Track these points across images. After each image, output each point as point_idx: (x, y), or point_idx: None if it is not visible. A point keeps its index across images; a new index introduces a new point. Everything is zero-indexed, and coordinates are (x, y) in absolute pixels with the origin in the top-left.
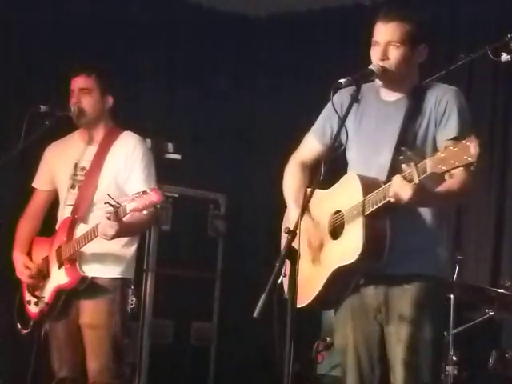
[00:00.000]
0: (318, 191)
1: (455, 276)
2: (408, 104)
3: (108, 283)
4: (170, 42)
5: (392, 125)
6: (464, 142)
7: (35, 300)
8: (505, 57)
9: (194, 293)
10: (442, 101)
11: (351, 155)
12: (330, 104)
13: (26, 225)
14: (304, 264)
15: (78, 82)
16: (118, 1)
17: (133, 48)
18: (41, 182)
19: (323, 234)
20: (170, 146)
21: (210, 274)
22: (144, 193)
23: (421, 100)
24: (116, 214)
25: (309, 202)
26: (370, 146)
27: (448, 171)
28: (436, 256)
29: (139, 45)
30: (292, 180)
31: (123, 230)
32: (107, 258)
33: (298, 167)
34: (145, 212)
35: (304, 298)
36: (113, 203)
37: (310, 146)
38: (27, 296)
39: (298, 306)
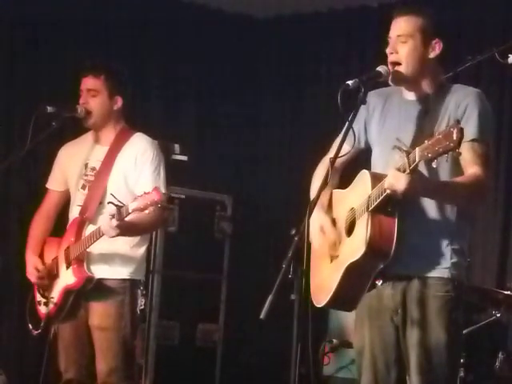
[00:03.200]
0: (338, 191)
1: None
2: (428, 103)
3: (117, 284)
4: (175, 42)
5: (411, 124)
6: (448, 128)
7: (45, 301)
8: None
9: (200, 294)
10: (462, 103)
11: (374, 155)
12: (359, 107)
13: (39, 225)
14: (324, 263)
15: (86, 83)
16: (123, 1)
17: (138, 49)
18: (54, 183)
19: (340, 232)
20: (177, 147)
21: (216, 275)
22: (146, 192)
23: (441, 101)
24: (119, 213)
25: (315, 204)
26: (390, 145)
27: (434, 158)
28: (455, 259)
29: (144, 46)
30: (318, 182)
31: (127, 229)
32: (116, 259)
33: (326, 169)
34: (146, 211)
35: (322, 298)
36: (116, 203)
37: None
38: (38, 297)
39: (318, 305)
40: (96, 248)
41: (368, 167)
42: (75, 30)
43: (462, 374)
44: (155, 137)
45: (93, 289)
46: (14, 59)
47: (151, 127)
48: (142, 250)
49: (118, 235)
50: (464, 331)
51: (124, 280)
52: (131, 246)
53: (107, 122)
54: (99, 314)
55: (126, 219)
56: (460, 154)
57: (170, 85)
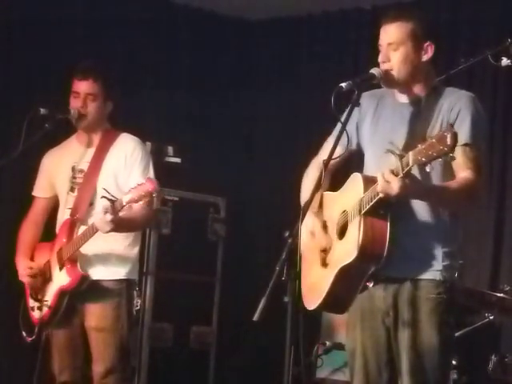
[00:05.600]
0: (329, 193)
1: None
2: (421, 106)
3: (114, 285)
4: (170, 45)
5: (404, 126)
6: (441, 132)
7: (38, 305)
8: (505, 61)
9: (194, 296)
10: (455, 107)
11: (367, 157)
12: (349, 108)
13: (28, 232)
14: (314, 266)
15: (85, 87)
16: (119, 3)
17: (133, 51)
18: (40, 190)
19: (332, 235)
20: (170, 149)
21: (209, 277)
22: (139, 184)
23: (434, 103)
24: (113, 207)
25: (309, 206)
26: (383, 148)
27: (427, 162)
28: (446, 261)
29: (139, 48)
30: (310, 183)
31: (121, 224)
32: (112, 259)
33: (318, 171)
34: (141, 202)
35: (314, 301)
36: (109, 197)
37: (329, 149)
38: (31, 302)
39: (309, 308)
40: (91, 249)
41: (358, 169)
42: (71, 30)
43: (455, 376)
44: (149, 139)
45: (89, 290)
46: (10, 60)
47: (145, 129)
48: (136, 250)
49: (112, 230)
50: (457, 333)
51: (121, 280)
52: (125, 247)
53: (99, 124)
54: (96, 315)
55: (120, 214)
56: (454, 158)
57: (163, 87)
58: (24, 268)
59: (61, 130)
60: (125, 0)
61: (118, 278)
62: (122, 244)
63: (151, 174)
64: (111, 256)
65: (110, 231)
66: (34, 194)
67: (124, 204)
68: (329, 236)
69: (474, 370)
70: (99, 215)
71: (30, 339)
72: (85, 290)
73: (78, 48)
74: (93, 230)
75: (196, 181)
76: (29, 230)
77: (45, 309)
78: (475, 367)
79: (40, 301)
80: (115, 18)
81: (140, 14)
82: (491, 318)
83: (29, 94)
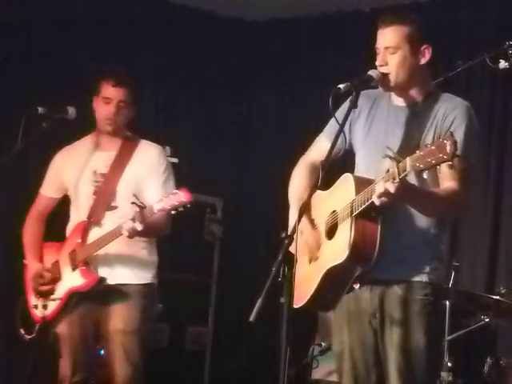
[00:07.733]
0: (319, 192)
1: (451, 282)
2: (417, 111)
3: (140, 289)
4: (169, 45)
5: (399, 130)
6: (441, 140)
7: (43, 303)
8: (503, 64)
9: (190, 297)
10: (450, 115)
11: (358, 157)
12: (342, 107)
13: (35, 230)
14: (302, 265)
15: (119, 93)
16: (118, 3)
17: (132, 51)
18: (49, 190)
19: (320, 234)
20: (168, 149)
21: (205, 278)
22: (173, 193)
23: (430, 109)
24: (141, 214)
25: (305, 207)
26: (376, 150)
27: (425, 169)
28: (433, 264)
29: (138, 48)
30: (299, 180)
31: (146, 231)
32: (137, 264)
33: (307, 168)
34: (173, 212)
35: (300, 299)
36: (138, 203)
37: (321, 147)
38: (33, 300)
39: (295, 306)
40: (116, 253)
41: (347, 168)
42: (71, 30)
43: (450, 378)
44: (146, 139)
45: (115, 293)
46: (9, 60)
47: (142, 129)
48: (156, 254)
49: (138, 236)
50: (453, 335)
51: (146, 285)
52: (149, 251)
53: (122, 129)
54: (124, 318)
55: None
56: (453, 166)
57: (161, 86)
58: (36, 274)
59: (59, 130)
60: (125, 0)
61: (145, 282)
62: (146, 250)
63: (172, 184)
64: (136, 260)
65: (135, 236)
66: (41, 191)
67: (155, 211)
68: (317, 235)
69: (469, 372)
70: (128, 222)
71: (29, 337)
72: (110, 293)
73: (78, 48)
74: (115, 235)
75: (193, 181)
76: (35, 229)
77: (51, 307)
78: (471, 369)
79: (46, 299)
80: (115, 18)
81: (140, 14)
82: (487, 320)
83: (28, 93)
